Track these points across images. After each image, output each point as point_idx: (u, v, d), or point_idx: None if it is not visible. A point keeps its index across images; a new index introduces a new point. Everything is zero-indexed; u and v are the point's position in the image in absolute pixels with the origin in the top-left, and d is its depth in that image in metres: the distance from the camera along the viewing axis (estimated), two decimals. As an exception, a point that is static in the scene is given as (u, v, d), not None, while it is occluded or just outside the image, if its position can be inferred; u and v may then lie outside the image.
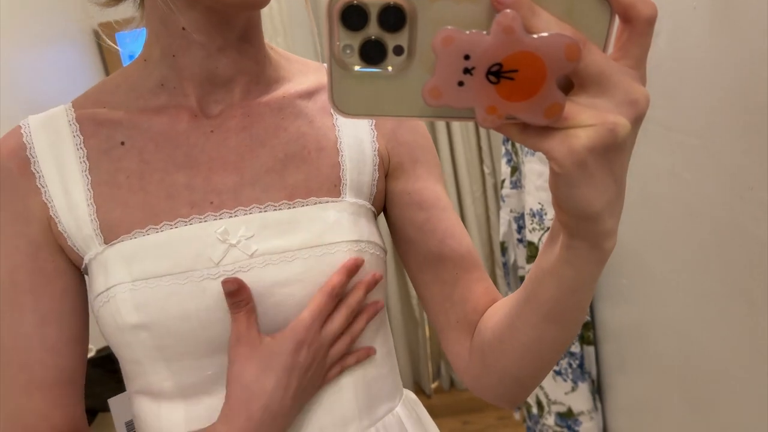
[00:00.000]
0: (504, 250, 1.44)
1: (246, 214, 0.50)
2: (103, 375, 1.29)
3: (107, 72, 2.09)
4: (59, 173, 0.50)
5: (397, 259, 2.22)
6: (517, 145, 1.25)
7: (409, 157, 0.56)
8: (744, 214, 0.61)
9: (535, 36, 0.27)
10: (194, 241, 0.48)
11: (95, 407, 1.20)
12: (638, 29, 0.29)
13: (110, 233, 0.49)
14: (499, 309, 0.48)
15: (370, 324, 0.54)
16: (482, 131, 2.17)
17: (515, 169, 1.30)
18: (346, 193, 0.53)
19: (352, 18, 0.29)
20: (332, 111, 0.39)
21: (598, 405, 1.21)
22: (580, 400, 1.18)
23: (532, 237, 1.15)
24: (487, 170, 2.21)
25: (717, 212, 0.67)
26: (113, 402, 0.62)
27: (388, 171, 0.56)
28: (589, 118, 0.29)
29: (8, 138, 0.52)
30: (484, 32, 0.27)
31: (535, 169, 1.10)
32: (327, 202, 0.52)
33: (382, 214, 0.58)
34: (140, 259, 0.48)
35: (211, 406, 0.49)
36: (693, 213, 0.73)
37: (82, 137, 0.51)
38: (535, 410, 1.27)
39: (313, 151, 0.53)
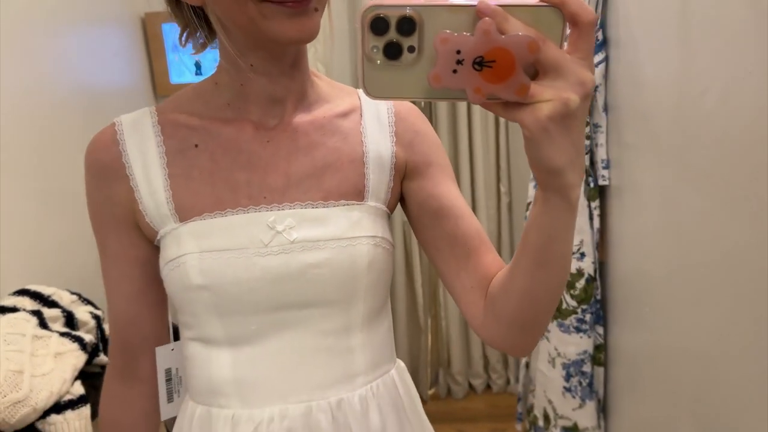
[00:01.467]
0: (523, 268, 1.52)
1: (290, 208, 0.64)
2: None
3: (150, 58, 2.15)
4: (143, 165, 0.64)
5: (406, 269, 2.29)
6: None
7: (423, 162, 0.68)
8: (760, 247, 0.68)
9: (506, 36, 0.38)
10: (249, 226, 0.62)
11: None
12: (584, 30, 0.40)
13: (183, 215, 0.63)
14: (503, 270, 0.61)
15: (382, 298, 0.69)
16: (502, 155, 2.26)
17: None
18: (368, 198, 0.66)
19: (378, 26, 0.41)
20: (363, 93, 0.50)
21: (602, 423, 1.29)
22: (586, 416, 1.26)
23: (557, 259, 1.23)
24: (503, 189, 2.29)
25: (735, 247, 0.74)
26: (159, 351, 0.72)
27: (405, 175, 0.69)
28: (549, 95, 0.40)
29: (104, 133, 0.65)
30: (470, 34, 0.39)
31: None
32: (353, 204, 0.65)
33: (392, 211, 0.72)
34: (207, 236, 0.62)
35: (251, 354, 0.64)
36: (713, 246, 0.80)
37: (162, 137, 0.65)
38: (541, 422, 1.35)
39: (346, 163, 0.66)
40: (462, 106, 2.18)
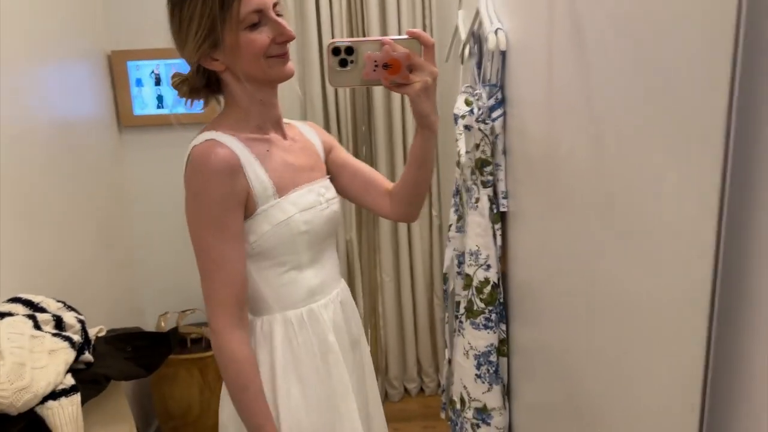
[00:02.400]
0: (446, 280, 1.81)
1: (318, 183, 1.17)
2: (114, 350, 1.56)
3: (115, 92, 2.36)
4: (249, 165, 1.03)
5: (349, 284, 2.55)
6: (464, 199, 1.63)
7: (332, 146, 1.28)
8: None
9: (395, 52, 0.94)
10: (311, 194, 1.13)
11: (107, 375, 1.47)
12: (429, 49, 1.00)
13: (281, 193, 1.07)
14: (399, 178, 1.21)
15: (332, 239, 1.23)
16: (433, 185, 2.57)
17: (460, 218, 1.68)
18: (326, 174, 1.23)
19: (335, 51, 0.99)
20: (331, 84, 1.03)
21: (507, 404, 1.58)
22: (493, 398, 1.55)
23: (469, 270, 1.52)
24: (434, 213, 2.60)
25: (586, 257, 1.04)
26: None
27: (328, 154, 1.27)
28: (418, 79, 0.99)
29: (222, 147, 1.01)
30: (379, 53, 0.98)
31: (476, 220, 1.48)
32: (328, 178, 1.22)
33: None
34: (298, 203, 1.09)
35: (320, 267, 1.16)
36: (570, 257, 1.10)
37: (249, 148, 1.04)
38: (458, 406, 1.63)
39: (316, 156, 1.22)
40: (399, 157, 2.49)
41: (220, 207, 1.00)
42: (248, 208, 1.04)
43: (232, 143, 1.02)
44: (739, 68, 0.54)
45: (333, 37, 2.41)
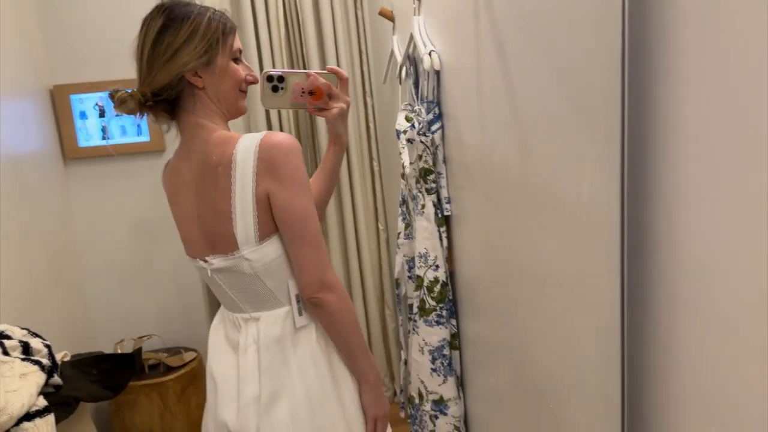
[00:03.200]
0: (398, 285, 1.93)
1: None
2: (80, 374, 1.59)
3: (58, 125, 2.38)
4: None
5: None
6: (411, 207, 1.76)
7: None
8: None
9: (318, 83, 1.19)
10: None
11: (77, 397, 1.50)
12: (344, 84, 1.24)
13: None
14: None
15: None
16: (379, 200, 2.70)
17: (408, 225, 1.81)
18: None
19: (269, 79, 1.19)
20: (264, 105, 1.22)
21: (461, 394, 1.70)
22: (448, 390, 1.67)
23: (419, 272, 1.65)
24: (381, 227, 2.72)
25: (523, 252, 1.18)
26: (293, 285, 1.19)
27: None
28: (335, 106, 1.22)
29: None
30: (306, 82, 1.20)
31: (423, 225, 1.62)
32: None
33: None
34: None
35: None
36: (508, 253, 1.24)
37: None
38: (417, 401, 1.74)
39: None
40: (344, 177, 2.61)
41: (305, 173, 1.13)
42: None
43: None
44: (628, 80, 0.69)
45: (273, 65, 2.53)
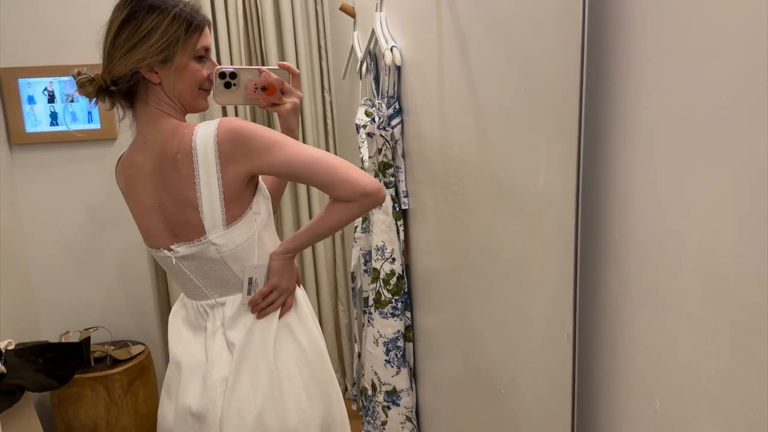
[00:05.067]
0: (353, 278, 1.95)
1: None
2: (25, 363, 1.55)
3: (5, 110, 2.29)
4: None
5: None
6: (368, 201, 1.78)
7: None
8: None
9: (271, 78, 1.20)
10: None
11: (21, 385, 1.45)
12: (296, 77, 1.25)
13: None
14: None
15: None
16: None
17: (365, 219, 1.84)
18: None
19: (221, 75, 1.19)
20: (216, 101, 1.22)
21: (414, 385, 1.73)
22: (401, 381, 1.69)
23: (376, 264, 1.67)
24: (336, 223, 2.72)
25: (476, 243, 1.22)
26: (249, 269, 1.19)
27: None
28: (288, 101, 1.23)
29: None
30: (260, 78, 1.20)
31: (381, 218, 1.64)
32: None
33: None
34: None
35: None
36: (463, 244, 1.28)
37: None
38: (370, 392, 1.76)
39: None
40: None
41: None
42: (252, 181, 1.18)
43: None
44: (585, 74, 0.73)
45: (231, 62, 2.51)
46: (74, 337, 2.23)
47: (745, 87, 0.53)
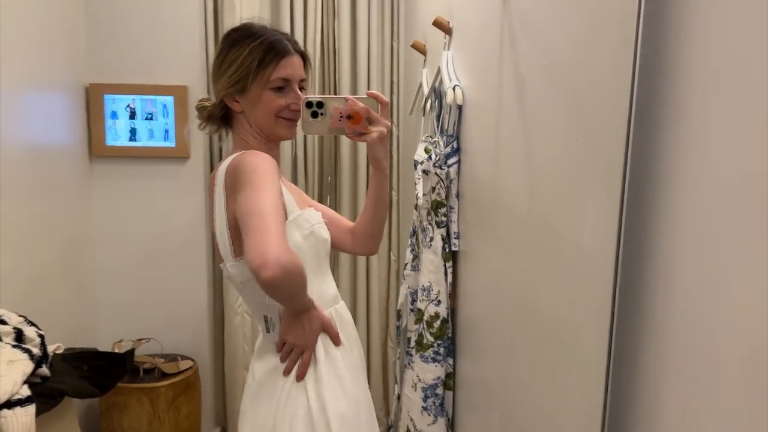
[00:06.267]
0: (399, 316, 1.90)
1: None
2: (70, 368, 1.59)
3: (89, 122, 2.42)
4: (279, 178, 1.16)
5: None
6: (420, 238, 1.74)
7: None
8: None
9: (357, 107, 1.11)
10: (316, 213, 1.27)
11: (62, 390, 1.49)
12: (384, 107, 1.22)
13: (301, 206, 1.23)
14: (359, 218, 1.40)
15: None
16: (394, 230, 2.69)
17: (416, 257, 1.79)
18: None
19: (308, 105, 1.20)
20: (304, 132, 1.24)
21: (450, 436, 1.65)
22: (437, 431, 1.62)
23: (421, 305, 1.62)
24: (393, 257, 2.70)
25: (523, 294, 1.15)
26: (264, 307, 1.18)
27: None
28: (374, 130, 1.20)
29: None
30: (344, 106, 1.13)
31: (429, 258, 1.59)
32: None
33: None
34: (314, 216, 1.24)
35: (329, 280, 1.28)
36: (508, 294, 1.21)
37: None
38: (404, 438, 1.69)
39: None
40: (361, 204, 2.61)
41: (273, 175, 1.09)
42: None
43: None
44: (633, 129, 0.67)
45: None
46: (127, 346, 2.30)
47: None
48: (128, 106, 2.46)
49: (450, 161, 1.56)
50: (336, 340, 1.20)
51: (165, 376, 2.28)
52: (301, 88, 1.24)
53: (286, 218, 1.14)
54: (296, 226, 1.17)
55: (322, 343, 1.18)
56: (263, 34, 1.20)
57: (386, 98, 1.24)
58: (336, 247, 1.39)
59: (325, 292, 1.24)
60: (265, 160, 1.09)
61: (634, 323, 0.72)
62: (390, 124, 1.25)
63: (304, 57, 1.26)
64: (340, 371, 1.18)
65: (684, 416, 0.62)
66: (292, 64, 1.21)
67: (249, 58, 1.18)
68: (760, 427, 0.52)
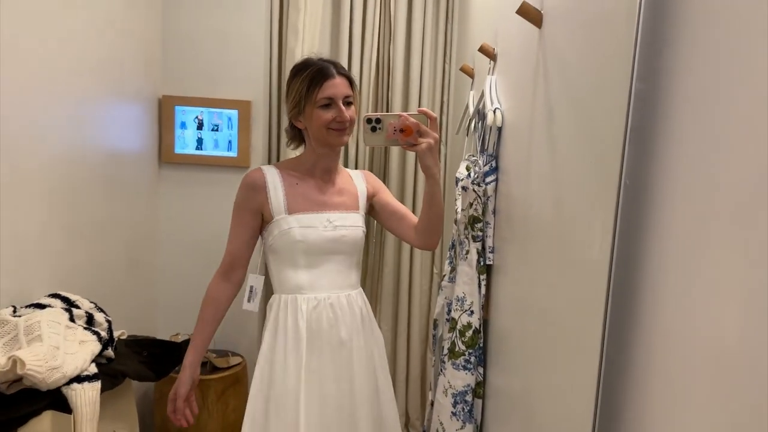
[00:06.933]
0: (435, 325, 1.99)
1: (332, 213, 1.58)
2: (131, 353, 1.75)
3: (160, 132, 2.64)
4: (273, 189, 1.53)
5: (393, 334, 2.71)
6: (458, 251, 1.83)
7: (378, 189, 1.68)
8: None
9: (409, 121, 1.32)
10: (319, 218, 1.53)
11: (124, 372, 1.64)
12: (434, 122, 1.45)
13: (291, 211, 1.59)
14: (419, 217, 1.69)
15: (360, 255, 1.75)
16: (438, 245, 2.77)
17: (453, 269, 1.88)
18: (359, 209, 1.64)
19: (368, 121, 1.45)
20: (365, 143, 1.54)
21: (477, 443, 1.71)
22: (465, 436, 1.69)
23: (455, 315, 1.70)
24: (436, 270, 2.78)
25: (551, 307, 1.22)
26: (250, 276, 1.70)
27: (372, 197, 1.75)
28: (424, 141, 1.44)
29: (256, 172, 1.56)
30: (398, 121, 1.34)
31: (465, 270, 1.68)
32: (354, 212, 1.62)
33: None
34: (301, 220, 1.58)
35: (316, 271, 1.60)
36: (534, 307, 1.28)
37: (282, 179, 1.57)
38: (434, 441, 1.76)
39: (351, 195, 1.69)
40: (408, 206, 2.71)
41: (240, 204, 1.60)
42: (267, 215, 1.59)
43: (269, 171, 1.61)
44: (626, 158, 0.75)
45: (359, 106, 2.71)
46: (182, 339, 2.47)
47: None
48: (196, 117, 2.66)
49: (488, 179, 1.65)
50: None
51: (215, 370, 2.44)
52: (348, 104, 1.54)
53: (272, 217, 1.59)
54: (276, 225, 1.59)
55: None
56: (312, 64, 1.54)
57: (435, 114, 1.44)
58: (403, 240, 1.79)
59: (289, 280, 1.61)
60: (239, 188, 1.62)
61: (637, 331, 0.80)
62: (437, 136, 1.45)
63: (348, 78, 1.55)
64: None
65: (663, 412, 0.69)
66: (334, 85, 1.52)
67: (301, 85, 1.53)
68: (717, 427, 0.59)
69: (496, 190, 1.66)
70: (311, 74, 1.52)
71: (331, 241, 1.59)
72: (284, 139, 3.16)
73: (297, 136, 1.67)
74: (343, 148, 2.79)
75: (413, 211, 2.75)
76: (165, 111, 2.64)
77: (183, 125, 2.67)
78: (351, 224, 1.63)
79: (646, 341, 0.75)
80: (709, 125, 0.63)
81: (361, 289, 1.71)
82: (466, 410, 1.68)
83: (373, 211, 1.77)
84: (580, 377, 0.93)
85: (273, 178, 1.59)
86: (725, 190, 0.59)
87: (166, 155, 2.66)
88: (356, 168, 2.76)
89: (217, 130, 2.68)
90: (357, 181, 1.74)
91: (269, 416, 1.53)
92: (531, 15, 1.29)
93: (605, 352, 0.80)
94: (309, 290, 1.59)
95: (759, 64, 0.55)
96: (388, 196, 1.77)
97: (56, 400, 1.43)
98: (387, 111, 2.74)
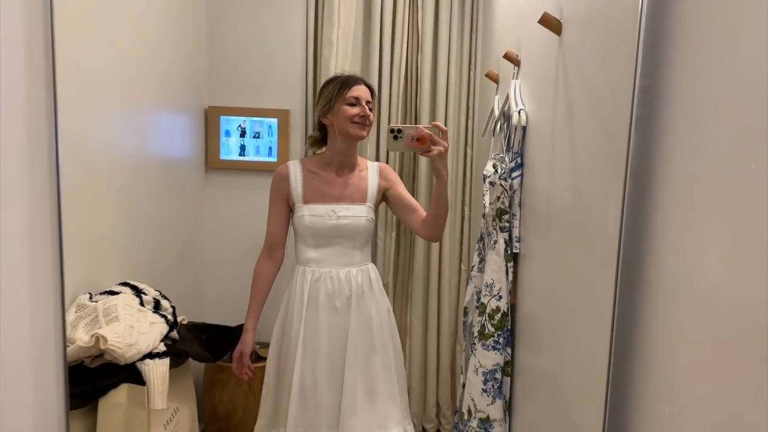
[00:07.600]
0: (466, 313, 2.14)
1: (338, 204, 1.92)
2: (192, 336, 1.93)
3: (207, 139, 2.85)
4: (295, 179, 1.82)
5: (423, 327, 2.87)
6: (486, 243, 1.98)
7: (392, 182, 1.93)
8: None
9: (424, 132, 1.56)
10: (324, 208, 1.81)
11: (187, 352, 1.83)
12: (444, 133, 1.71)
13: (305, 200, 1.92)
14: (428, 212, 1.91)
15: (366, 239, 2.00)
16: (465, 244, 2.93)
17: (482, 260, 2.03)
18: (367, 201, 1.94)
19: (391, 131, 1.73)
20: (388, 149, 2.18)
21: (507, 417, 1.86)
22: (495, 411, 1.83)
23: (484, 300, 1.86)
24: (463, 267, 2.93)
25: (576, 292, 1.37)
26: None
27: (385, 190, 1.99)
28: (435, 148, 1.69)
29: (283, 167, 1.87)
30: (415, 132, 1.59)
31: (493, 258, 1.83)
32: (360, 203, 1.94)
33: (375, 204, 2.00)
34: (312, 209, 1.91)
35: (321, 251, 1.93)
36: (564, 292, 1.43)
37: (302, 172, 1.86)
38: (465, 417, 1.92)
39: (359, 188, 1.95)
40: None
41: (272, 193, 1.96)
42: (291, 202, 1.93)
43: (293, 165, 1.94)
44: (631, 154, 0.91)
45: (390, 117, 2.88)
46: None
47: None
48: (239, 126, 2.87)
49: (514, 174, 1.81)
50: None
51: (260, 359, 2.61)
52: (369, 106, 1.88)
53: (294, 204, 1.93)
54: (295, 211, 1.92)
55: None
56: (342, 75, 1.90)
57: (445, 127, 1.73)
58: (413, 231, 2.05)
59: (303, 254, 1.95)
60: (272, 180, 1.96)
61: (652, 316, 0.95)
62: (447, 145, 1.71)
63: (370, 87, 1.91)
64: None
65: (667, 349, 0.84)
66: (361, 89, 1.87)
67: (334, 88, 1.87)
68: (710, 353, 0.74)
69: (521, 184, 1.81)
70: (342, 79, 1.87)
71: (333, 228, 1.89)
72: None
73: (317, 142, 2.01)
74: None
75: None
76: (211, 121, 2.85)
77: (227, 133, 2.87)
78: (354, 215, 1.91)
79: (652, 296, 0.91)
80: (701, 114, 0.79)
81: (369, 266, 1.97)
82: (495, 387, 1.83)
83: (388, 201, 2.01)
84: (596, 348, 1.08)
85: (295, 171, 1.92)
86: (717, 171, 0.75)
87: (212, 161, 2.87)
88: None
89: (258, 137, 2.88)
90: (371, 174, 1.99)
91: (280, 356, 1.99)
92: (551, 24, 1.45)
93: (615, 321, 0.95)
94: (315, 264, 1.92)
95: (737, 62, 0.71)
96: (402, 190, 2.01)
97: (131, 374, 1.61)
98: (415, 118, 2.91)
